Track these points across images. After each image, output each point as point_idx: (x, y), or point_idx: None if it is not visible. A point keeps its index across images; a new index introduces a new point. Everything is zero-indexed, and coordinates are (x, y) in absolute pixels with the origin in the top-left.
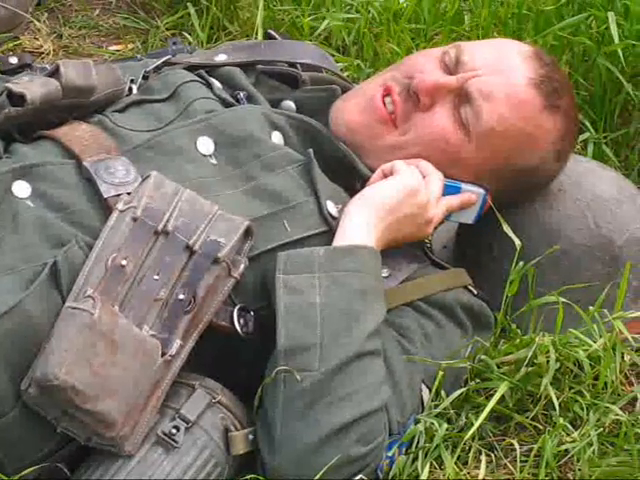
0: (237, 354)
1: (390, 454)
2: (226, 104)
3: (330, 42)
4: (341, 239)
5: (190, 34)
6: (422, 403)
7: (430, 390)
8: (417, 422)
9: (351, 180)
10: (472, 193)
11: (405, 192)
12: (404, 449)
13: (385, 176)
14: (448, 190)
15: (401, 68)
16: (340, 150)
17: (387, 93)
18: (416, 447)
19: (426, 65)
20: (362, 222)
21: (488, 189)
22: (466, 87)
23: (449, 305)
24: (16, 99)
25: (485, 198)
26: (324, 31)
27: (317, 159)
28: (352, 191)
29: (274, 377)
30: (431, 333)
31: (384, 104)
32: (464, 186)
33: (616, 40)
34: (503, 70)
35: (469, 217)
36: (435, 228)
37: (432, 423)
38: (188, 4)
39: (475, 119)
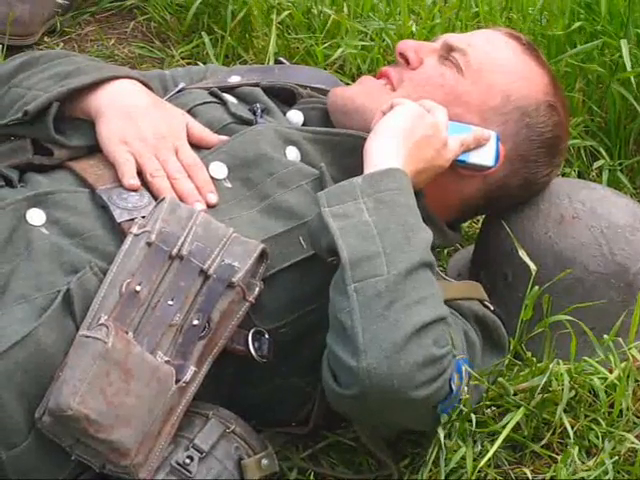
0: (253, 376)
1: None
2: (242, 121)
3: (344, 70)
4: (372, 169)
5: (205, 63)
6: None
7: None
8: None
9: None
10: (484, 132)
11: (412, 115)
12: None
13: (385, 114)
14: (459, 130)
15: None
16: (352, 134)
17: (380, 77)
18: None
19: None
20: (386, 151)
21: (498, 135)
22: (447, 42)
23: (463, 314)
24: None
25: (498, 141)
26: (338, 59)
27: (339, 163)
28: None
29: (344, 291)
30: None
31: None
32: (474, 127)
33: (629, 67)
34: (481, 32)
35: (488, 158)
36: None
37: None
38: (203, 33)
39: (463, 58)
